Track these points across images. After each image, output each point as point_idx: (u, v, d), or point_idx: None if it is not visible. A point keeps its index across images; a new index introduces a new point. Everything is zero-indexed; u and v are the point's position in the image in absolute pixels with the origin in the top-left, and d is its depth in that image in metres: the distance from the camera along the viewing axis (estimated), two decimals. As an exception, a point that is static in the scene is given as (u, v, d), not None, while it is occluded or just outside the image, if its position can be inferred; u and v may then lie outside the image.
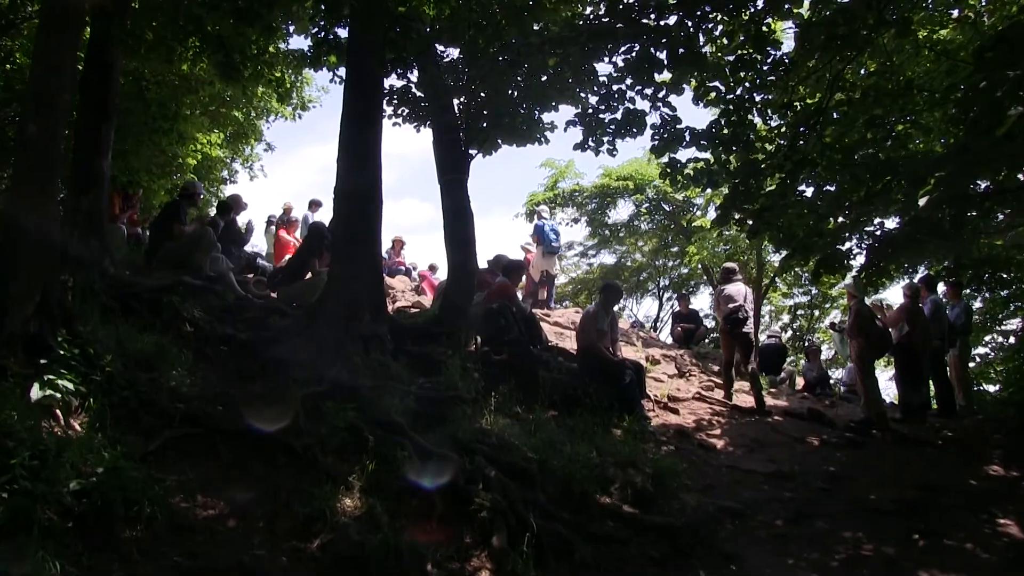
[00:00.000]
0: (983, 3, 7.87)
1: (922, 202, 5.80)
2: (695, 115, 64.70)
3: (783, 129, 7.12)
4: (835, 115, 6.74)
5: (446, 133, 7.72)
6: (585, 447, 5.14)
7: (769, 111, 7.05)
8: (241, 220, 10.17)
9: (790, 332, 22.45)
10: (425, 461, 4.26)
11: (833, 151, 6.61)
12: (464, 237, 7.56)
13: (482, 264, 8.59)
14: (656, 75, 6.54)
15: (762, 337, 13.03)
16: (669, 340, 13.00)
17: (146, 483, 3.42)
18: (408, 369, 5.70)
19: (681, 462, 5.77)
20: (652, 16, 6.14)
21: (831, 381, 11.60)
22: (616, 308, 8.24)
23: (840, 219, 6.98)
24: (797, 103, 6.91)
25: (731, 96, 6.89)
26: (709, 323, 14.75)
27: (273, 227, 11.77)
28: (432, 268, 14.06)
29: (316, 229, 8.47)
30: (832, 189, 6.96)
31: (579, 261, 26.20)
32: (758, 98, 6.95)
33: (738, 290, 9.12)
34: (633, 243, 23.35)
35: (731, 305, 9.07)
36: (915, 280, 8.54)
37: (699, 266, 19.70)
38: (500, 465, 4.48)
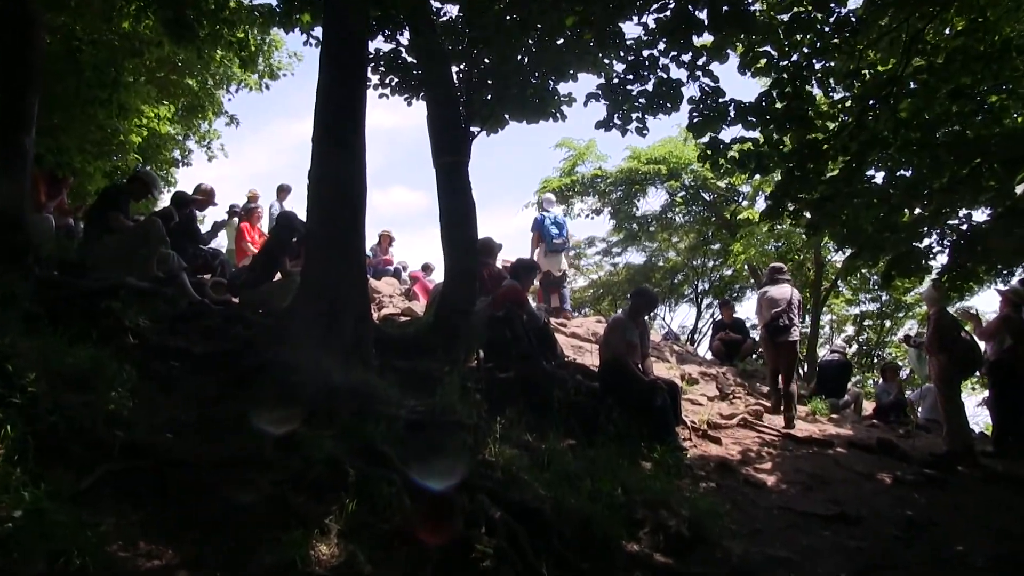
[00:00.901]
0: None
1: (1019, 189, 5.77)
2: (741, 86, 64.86)
3: (848, 102, 7.10)
4: (912, 84, 6.71)
5: (443, 107, 7.73)
6: (608, 483, 5.12)
7: (831, 81, 7.05)
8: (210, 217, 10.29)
9: (855, 346, 22.41)
10: (417, 500, 4.24)
11: (910, 128, 6.58)
12: (464, 231, 7.57)
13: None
14: (695, 38, 6.54)
15: (822, 352, 13.00)
16: (709, 355, 12.99)
17: (76, 528, 3.34)
18: (397, 389, 5.69)
19: (724, 502, 5.75)
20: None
21: (907, 406, 11.53)
22: (647, 317, 8.25)
23: (917, 210, 6.95)
24: (865, 71, 6.90)
25: (785, 63, 6.89)
26: (756, 334, 14.77)
27: (235, 219, 11.82)
28: (426, 268, 14.12)
29: (286, 221, 8.52)
30: (908, 174, 6.94)
31: (601, 260, 26.31)
32: (818, 65, 6.94)
33: (783, 293, 9.19)
34: (666, 239, 23.40)
35: (774, 310, 9.12)
36: (1015, 283, 8.43)
37: (745, 267, 19.71)
38: (507, 504, 4.46)
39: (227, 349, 5.79)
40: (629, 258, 25.51)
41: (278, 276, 8.16)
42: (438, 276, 13.26)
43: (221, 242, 12.54)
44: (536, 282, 10.35)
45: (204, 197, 9.65)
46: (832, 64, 7.01)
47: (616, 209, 20.77)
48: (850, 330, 23.43)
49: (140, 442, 4.16)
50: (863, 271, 16.93)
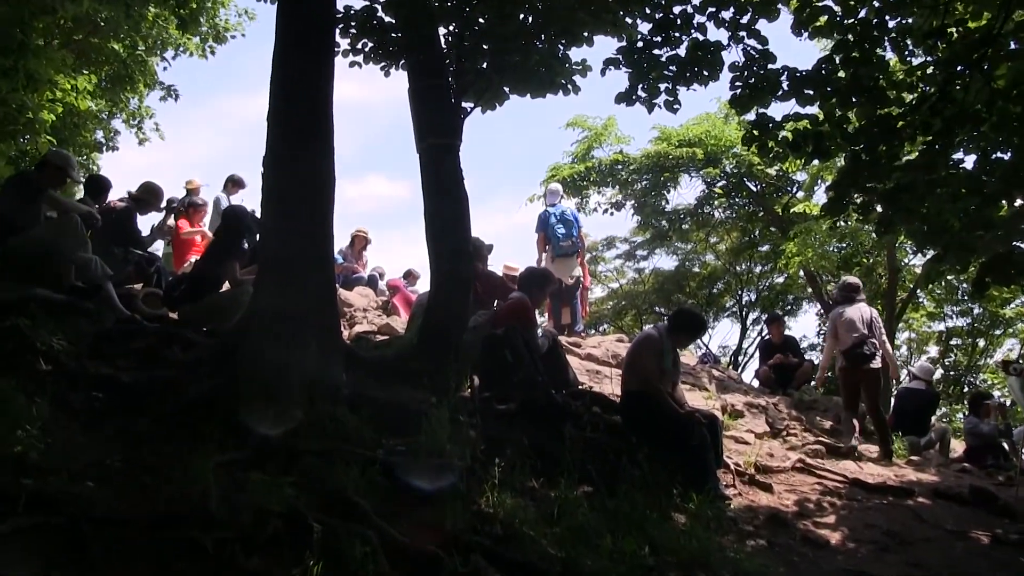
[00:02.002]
0: None
1: None
2: (795, 50, 64.95)
3: (930, 69, 7.11)
4: (1012, 44, 6.71)
5: (428, 78, 7.77)
6: (633, 541, 5.11)
7: (909, 42, 7.05)
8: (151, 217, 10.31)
9: (941, 372, 22.41)
10: (397, 562, 4.24)
11: (1008, 100, 6.57)
12: (455, 231, 7.60)
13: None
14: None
15: (899, 379, 13.00)
16: (756, 383, 12.99)
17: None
18: (372, 424, 5.70)
19: (776, 564, 5.74)
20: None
21: (1007, 447, 11.49)
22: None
23: (1018, 202, 6.95)
24: (952, 29, 6.89)
25: (851, 21, 6.91)
26: (815, 356, 14.70)
27: (172, 216, 11.86)
28: (408, 276, 14.16)
29: (235, 218, 8.53)
30: (1005, 157, 6.94)
31: (623, 266, 26.42)
32: (892, 23, 6.95)
33: (861, 314, 9.39)
34: (703, 239, 23.51)
35: (854, 335, 9.28)
36: None
37: (800, 273, 19.73)
38: (508, 566, 4.46)
39: (163, 377, 5.80)
40: (657, 262, 25.69)
41: (226, 286, 8.17)
42: (423, 286, 13.31)
43: (156, 244, 12.57)
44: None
45: (147, 197, 9.68)
46: (910, 21, 7.02)
47: (641, 202, 20.86)
48: (933, 351, 23.47)
49: (54, 493, 4.15)
50: (949, 278, 16.95)
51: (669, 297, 25.09)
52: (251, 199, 12.65)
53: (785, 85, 7.02)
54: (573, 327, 12.41)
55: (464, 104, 7.88)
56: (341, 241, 13.97)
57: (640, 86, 7.49)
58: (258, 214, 7.47)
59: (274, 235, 6.47)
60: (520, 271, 9.43)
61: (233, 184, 12.93)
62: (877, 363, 9.67)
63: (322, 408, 5.58)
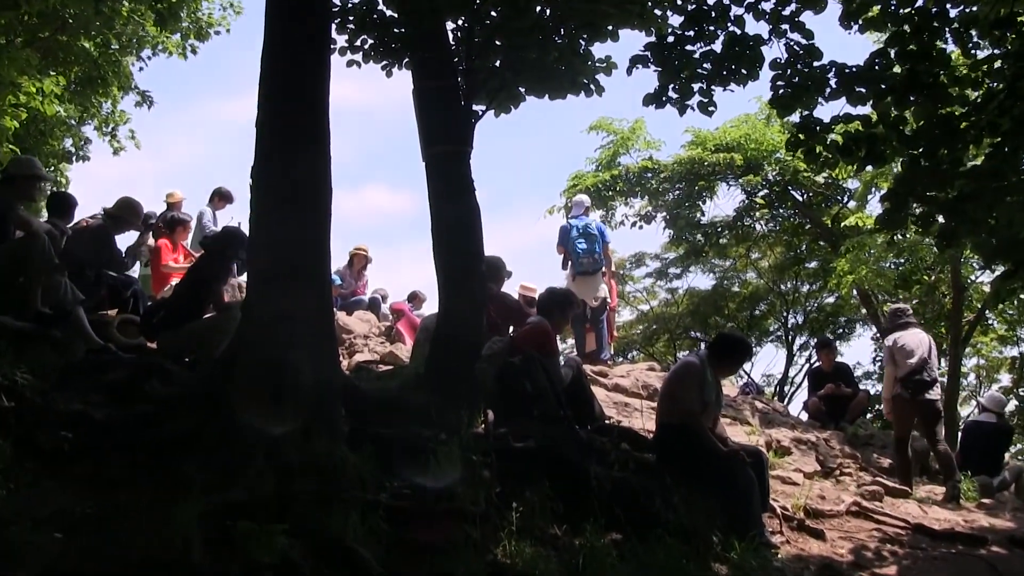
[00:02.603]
0: None
1: None
2: (845, 45, 64.94)
3: (997, 63, 7.08)
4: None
5: (435, 78, 7.81)
6: (669, 596, 5.09)
7: (973, 33, 7.03)
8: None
9: (1014, 403, 22.19)
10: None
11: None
12: (466, 247, 7.62)
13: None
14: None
15: (967, 411, 12.97)
16: (805, 416, 12.92)
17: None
18: (375, 464, 5.70)
19: (832, 623, 5.69)
20: None
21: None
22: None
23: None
24: (1023, 17, 6.87)
25: (907, 11, 6.90)
26: (870, 386, 14.63)
27: (150, 234, 11.93)
28: (413, 299, 14.19)
29: (224, 237, 8.55)
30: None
31: (654, 285, 26.40)
32: (954, 12, 6.94)
33: (918, 340, 9.58)
34: (743, 255, 23.48)
35: (911, 361, 9.37)
36: None
37: (853, 293, 19.64)
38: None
39: (140, 413, 5.82)
40: (692, 281, 25.64)
41: (210, 312, 8.19)
42: (430, 308, 13.30)
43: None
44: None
45: (124, 214, 9.61)
46: (974, 9, 7.00)
47: (673, 214, 20.86)
48: (1005, 380, 23.28)
49: (18, 543, 4.16)
50: (1022, 296, 16.83)
51: (705, 320, 25.04)
52: (240, 213, 12.70)
53: (833, 83, 7.02)
54: (599, 354, 12.39)
55: (475, 107, 7.90)
56: (338, 260, 14.03)
57: (671, 86, 7.50)
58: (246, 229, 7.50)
59: (263, 253, 6.48)
60: (539, 292, 9.43)
61: (220, 198, 12.95)
62: (937, 392, 9.86)
63: (319, 446, 5.58)
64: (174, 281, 10.42)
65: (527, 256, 55.17)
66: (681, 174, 19.81)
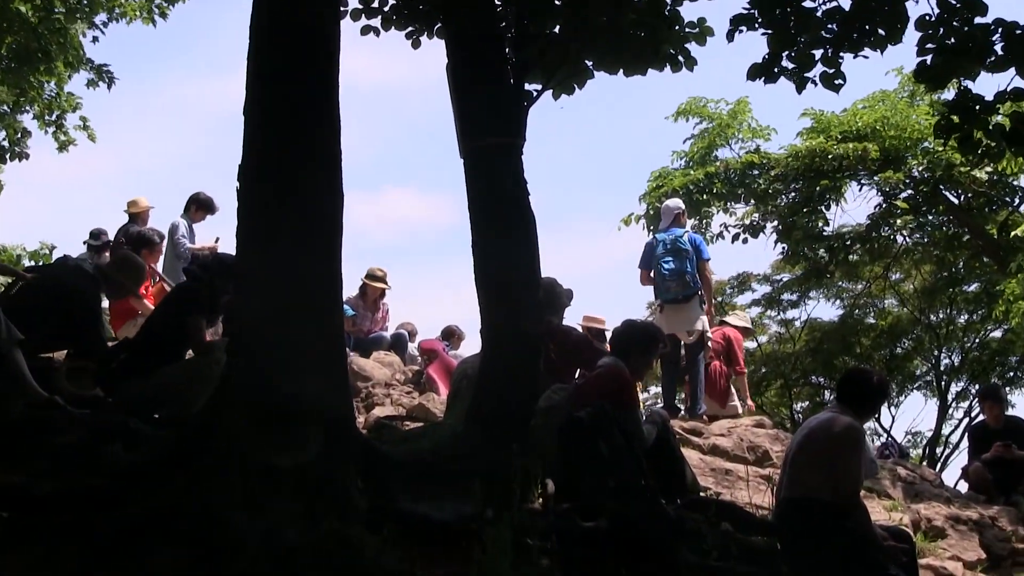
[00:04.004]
0: None
1: None
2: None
3: None
4: None
5: (476, 51, 7.81)
6: None
7: None
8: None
9: None
10: None
11: None
12: (517, 268, 7.59)
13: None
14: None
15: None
16: (964, 486, 12.76)
17: None
18: (400, 550, 5.70)
19: None
20: None
21: None
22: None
23: None
24: None
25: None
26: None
27: (107, 253, 12.05)
28: (448, 336, 14.20)
29: (215, 265, 8.57)
30: None
31: (762, 316, 26.18)
32: None
33: None
34: (878, 276, 23.23)
35: None
36: None
37: (1029, 326, 19.43)
38: None
39: (97, 488, 5.85)
40: (812, 311, 25.47)
41: (188, 354, 8.25)
42: (470, 348, 13.28)
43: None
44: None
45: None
46: None
47: (787, 223, 20.67)
48: None
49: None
50: None
51: (830, 361, 24.79)
52: (224, 227, 12.78)
53: (999, 47, 6.94)
54: (693, 408, 12.30)
55: (528, 87, 7.91)
56: (350, 285, 14.08)
57: (785, 54, 7.47)
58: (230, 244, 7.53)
59: (256, 278, 6.52)
60: (610, 325, 9.39)
61: (198, 207, 12.99)
62: None
63: (329, 526, 5.59)
64: (140, 316, 10.51)
65: (595, 280, 55.09)
66: (798, 171, 19.67)
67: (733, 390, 12.63)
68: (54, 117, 15.90)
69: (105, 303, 11.30)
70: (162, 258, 12.19)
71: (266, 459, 5.73)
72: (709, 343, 12.49)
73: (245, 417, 5.94)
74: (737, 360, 12.80)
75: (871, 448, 7.67)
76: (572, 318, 11.22)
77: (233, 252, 7.08)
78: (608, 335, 10.56)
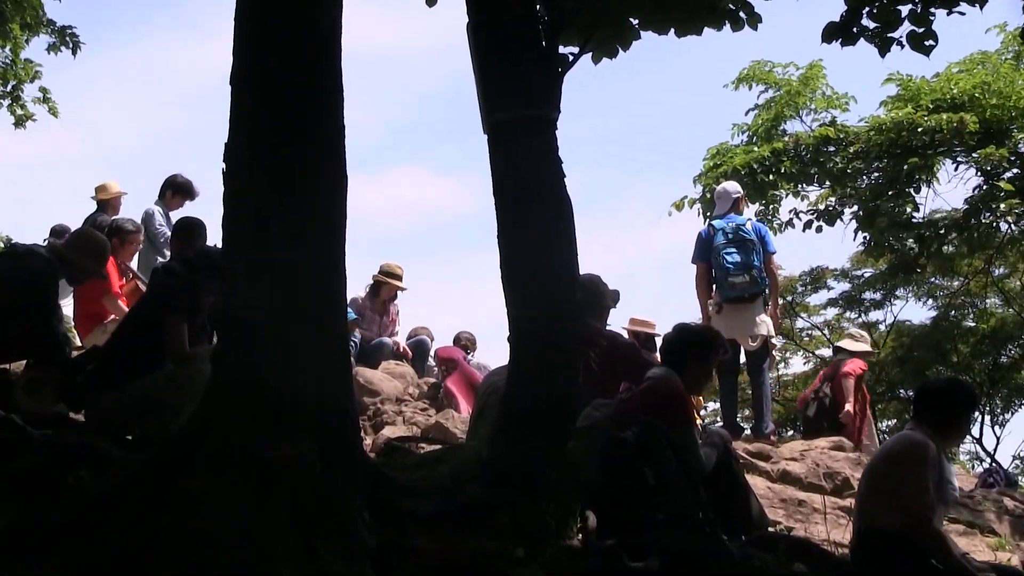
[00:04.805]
0: None
1: None
2: None
3: None
4: None
5: (502, 9, 7.80)
6: None
7: None
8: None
9: None
10: None
11: None
12: (551, 262, 7.58)
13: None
14: None
15: None
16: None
17: None
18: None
19: None
20: None
21: None
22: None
23: None
24: None
25: None
26: None
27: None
28: (465, 344, 14.16)
29: (198, 259, 8.58)
30: None
31: (840, 318, 26.06)
32: None
33: None
34: (979, 271, 23.07)
35: None
36: None
37: None
38: None
39: (60, 519, 5.88)
40: (900, 312, 25.35)
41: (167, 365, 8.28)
42: (495, 357, 13.23)
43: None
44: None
45: (85, 260, 9.59)
46: None
47: (869, 209, 20.57)
48: None
49: None
50: None
51: (922, 371, 24.61)
52: (205, 213, 12.82)
53: None
54: (759, 427, 12.28)
55: (563, 51, 7.90)
56: (355, 284, 14.08)
57: (866, 11, 7.45)
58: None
59: (244, 275, 6.54)
60: (661, 329, 9.35)
61: (175, 191, 13.09)
62: None
63: (331, 565, 5.61)
64: (110, 320, 10.54)
65: (641, 276, 54.93)
66: (881, 146, 19.57)
67: (871, 430, 12.64)
68: (9, 88, 16.00)
69: (69, 309, 11.36)
70: (135, 259, 12.21)
71: (255, 485, 5.76)
72: (770, 347, 12.52)
73: (230, 434, 5.96)
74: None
75: (951, 470, 7.59)
76: (617, 322, 11.21)
77: (218, 244, 7.12)
78: (659, 341, 10.54)
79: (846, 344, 13.72)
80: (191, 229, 11.21)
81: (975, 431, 24.47)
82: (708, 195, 18.31)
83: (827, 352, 26.49)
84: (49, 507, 6.09)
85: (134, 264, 12.14)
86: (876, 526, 7.33)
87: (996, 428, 25.37)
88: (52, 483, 6.46)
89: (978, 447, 23.61)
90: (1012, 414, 24.78)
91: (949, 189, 20.98)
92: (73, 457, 6.77)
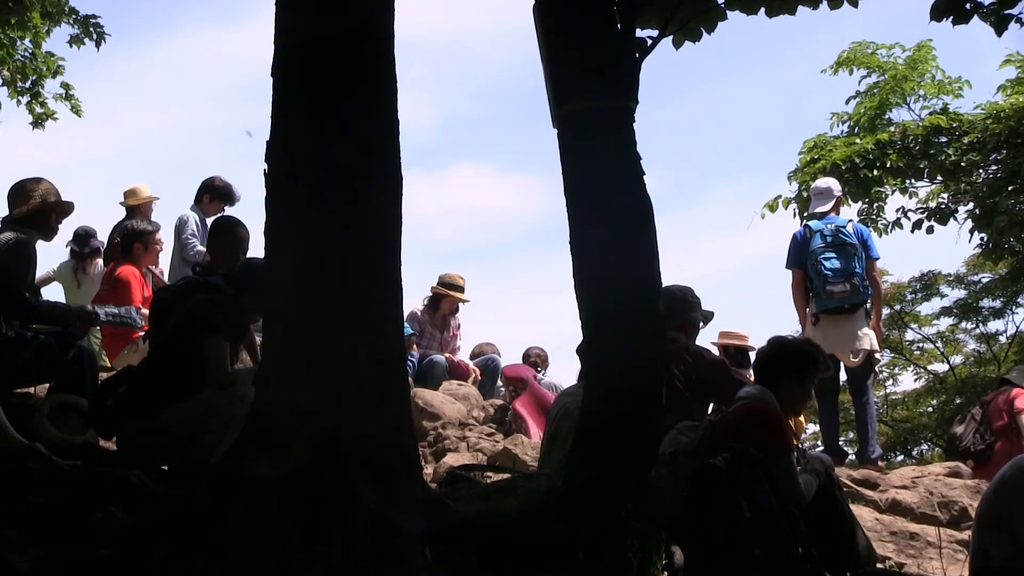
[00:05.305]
0: None
1: None
2: None
3: None
4: None
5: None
6: None
7: None
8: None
9: None
10: None
11: None
12: (631, 270, 7.53)
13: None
14: None
15: None
16: None
17: None
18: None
19: None
20: None
21: None
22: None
23: None
24: None
25: None
26: None
27: (98, 261, 12.14)
28: (535, 362, 14.14)
29: (244, 273, 8.59)
30: None
31: (954, 329, 25.87)
32: None
33: None
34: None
35: None
36: None
37: None
38: None
39: (90, 557, 5.89)
40: (1024, 323, 25.14)
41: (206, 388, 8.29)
42: (567, 376, 13.19)
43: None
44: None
45: (35, 213, 9.71)
46: None
47: (987, 206, 20.36)
48: None
49: None
50: None
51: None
52: (248, 219, 12.85)
53: None
54: (864, 451, 12.18)
55: (641, 33, 7.87)
56: (412, 296, 14.09)
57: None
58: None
59: (291, 291, 6.54)
60: (754, 343, 9.28)
61: (213, 196, 13.10)
62: None
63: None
64: (139, 339, 10.56)
65: (729, 285, 54.66)
66: (1000, 136, 19.41)
67: None
68: (28, 84, 16.05)
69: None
70: (165, 270, 12.25)
71: (303, 518, 5.74)
72: (873, 362, 12.42)
73: (274, 471, 5.95)
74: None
75: None
76: (706, 336, 11.15)
77: (261, 256, 7.11)
78: (752, 356, 10.48)
79: (1015, 375, 13.45)
80: (228, 230, 11.03)
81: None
82: (804, 193, 18.19)
83: (940, 367, 26.33)
84: (77, 546, 6.11)
85: (165, 276, 12.17)
86: (989, 565, 7.24)
87: None
88: (80, 519, 6.48)
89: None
90: None
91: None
92: (103, 491, 6.79)
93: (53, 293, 12.69)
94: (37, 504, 6.59)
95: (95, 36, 15.46)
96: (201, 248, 12.34)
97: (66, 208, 9.68)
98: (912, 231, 20.33)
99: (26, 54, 15.13)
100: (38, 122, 16.20)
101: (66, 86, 16.31)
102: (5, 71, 14.78)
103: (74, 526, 6.40)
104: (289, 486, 5.91)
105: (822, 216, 12.38)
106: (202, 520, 5.99)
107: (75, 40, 15.65)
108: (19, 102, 16.16)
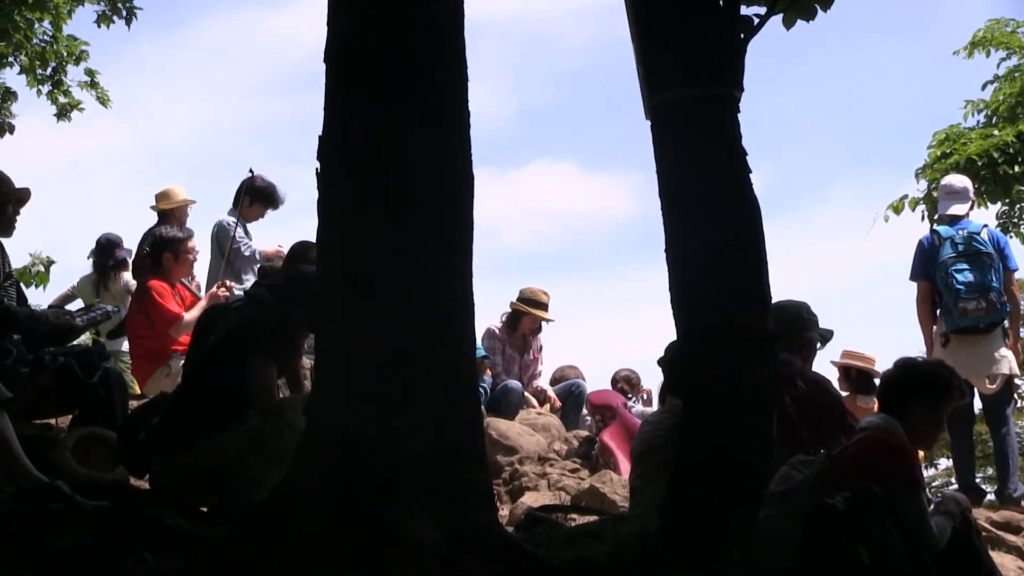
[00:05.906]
0: None
1: None
2: None
3: None
4: None
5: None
6: None
7: None
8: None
9: None
10: None
11: None
12: (739, 275, 7.46)
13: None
14: None
15: None
16: None
17: None
18: None
19: None
20: None
21: None
22: None
23: None
24: None
25: None
26: None
27: (124, 275, 12.19)
28: (623, 388, 14.08)
29: (295, 285, 8.59)
30: None
31: None
32: None
33: None
34: None
35: None
36: None
37: None
38: None
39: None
40: None
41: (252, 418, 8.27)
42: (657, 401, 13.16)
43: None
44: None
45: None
46: None
47: None
48: None
49: None
50: None
51: None
52: (294, 226, 12.86)
53: None
54: (1004, 489, 12.03)
55: (747, 11, 7.80)
56: (486, 314, 14.05)
57: None
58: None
59: (344, 307, 6.52)
60: (880, 366, 9.18)
61: (253, 198, 13.13)
62: None
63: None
64: (174, 359, 10.58)
65: (849, 299, 54.44)
66: None
67: None
68: (49, 71, 16.06)
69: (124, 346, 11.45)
70: (207, 270, 12.29)
71: (363, 571, 5.71)
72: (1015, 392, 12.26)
73: (327, 510, 5.92)
74: None
75: None
76: (823, 359, 11.05)
77: (312, 266, 7.09)
78: (877, 382, 10.40)
79: None
80: (304, 255, 10.94)
81: None
82: (933, 193, 18.01)
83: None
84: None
85: (202, 288, 12.20)
86: None
87: None
88: (107, 566, 6.48)
89: None
90: None
91: None
92: (133, 534, 6.78)
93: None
94: (59, 549, 6.59)
95: (126, 15, 15.43)
96: (246, 254, 12.34)
97: (22, 196, 9.61)
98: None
99: (46, 38, 15.16)
100: (63, 113, 16.19)
101: (91, 73, 16.29)
102: (23, 57, 14.80)
103: (101, 574, 6.40)
104: (343, 526, 5.88)
105: (955, 220, 12.21)
106: (246, 568, 5.98)
107: (103, 18, 15.64)
108: (39, 92, 16.19)
